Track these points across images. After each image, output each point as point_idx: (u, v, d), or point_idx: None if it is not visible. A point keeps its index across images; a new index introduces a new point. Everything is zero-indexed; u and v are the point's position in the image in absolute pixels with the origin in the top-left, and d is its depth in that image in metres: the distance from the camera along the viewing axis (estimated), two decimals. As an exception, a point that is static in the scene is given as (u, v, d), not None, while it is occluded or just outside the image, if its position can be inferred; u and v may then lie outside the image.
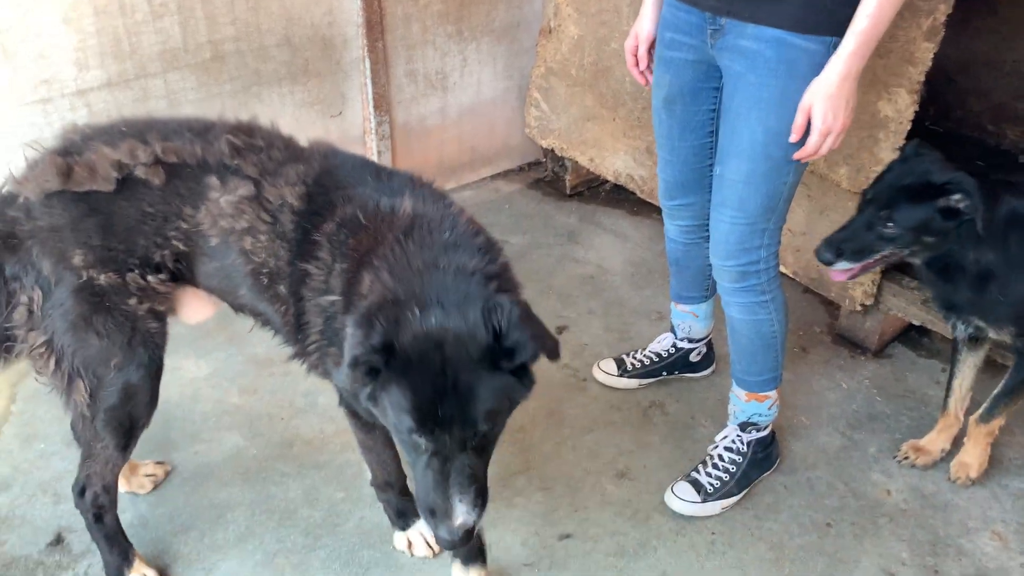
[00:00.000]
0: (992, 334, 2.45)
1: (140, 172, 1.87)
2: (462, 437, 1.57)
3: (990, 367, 2.74)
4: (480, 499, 1.62)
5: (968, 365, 2.62)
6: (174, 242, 1.93)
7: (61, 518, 2.48)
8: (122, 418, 2.04)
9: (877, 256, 2.35)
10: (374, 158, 3.70)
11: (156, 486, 2.59)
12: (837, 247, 2.35)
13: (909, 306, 2.99)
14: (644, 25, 2.43)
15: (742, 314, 2.40)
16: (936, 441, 2.71)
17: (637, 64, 2.49)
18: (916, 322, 3.02)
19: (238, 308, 2.14)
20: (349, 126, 3.65)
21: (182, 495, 2.57)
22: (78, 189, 1.86)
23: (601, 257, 3.77)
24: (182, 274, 2.00)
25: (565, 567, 2.36)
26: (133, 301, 1.94)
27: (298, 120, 3.45)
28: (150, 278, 1.94)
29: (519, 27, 4.00)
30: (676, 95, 2.36)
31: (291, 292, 1.91)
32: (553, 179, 4.32)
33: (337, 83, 3.52)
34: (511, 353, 1.56)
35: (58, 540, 2.43)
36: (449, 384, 1.53)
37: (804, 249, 3.20)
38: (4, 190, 1.93)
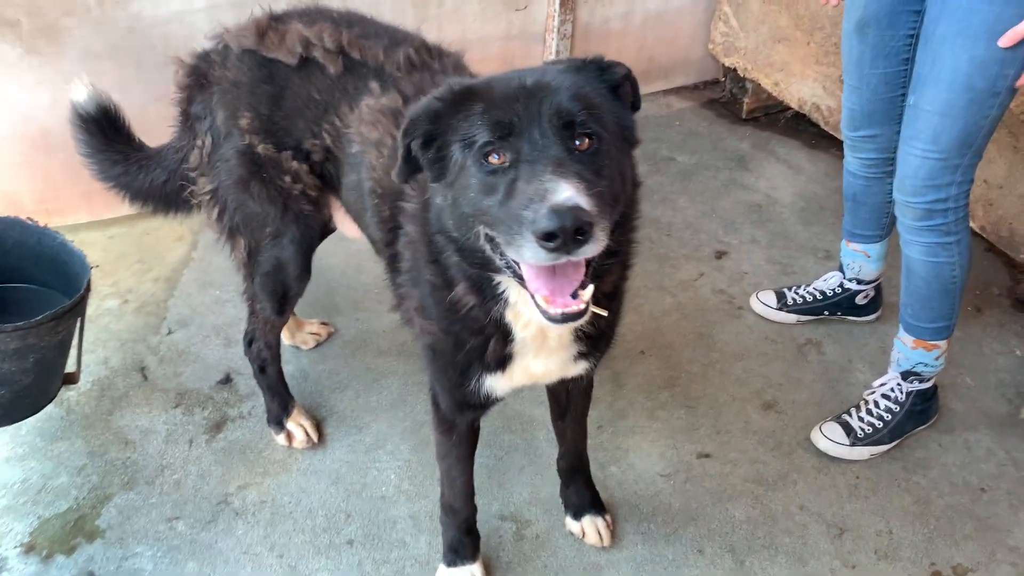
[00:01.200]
0: None
1: (319, 55, 1.88)
2: (557, 132, 1.28)
3: None
4: (595, 201, 1.22)
5: None
6: (325, 135, 1.91)
7: (231, 360, 2.68)
8: (275, 286, 2.15)
9: None
10: (552, 56, 3.67)
11: (318, 344, 2.74)
12: None
13: (1110, 279, 2.76)
14: None
15: (923, 255, 2.28)
16: None
17: None
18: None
19: (367, 235, 2.03)
20: (532, 21, 3.61)
21: (342, 356, 2.72)
22: (267, 54, 1.92)
23: (771, 187, 3.64)
24: (329, 178, 1.99)
25: (701, 484, 2.37)
26: (288, 179, 1.97)
27: (484, 10, 3.44)
28: (300, 164, 1.96)
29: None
30: (871, 18, 2.22)
31: (391, 217, 1.76)
32: (730, 100, 4.16)
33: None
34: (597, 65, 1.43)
35: (227, 380, 2.63)
36: (546, 81, 1.33)
37: (998, 203, 2.99)
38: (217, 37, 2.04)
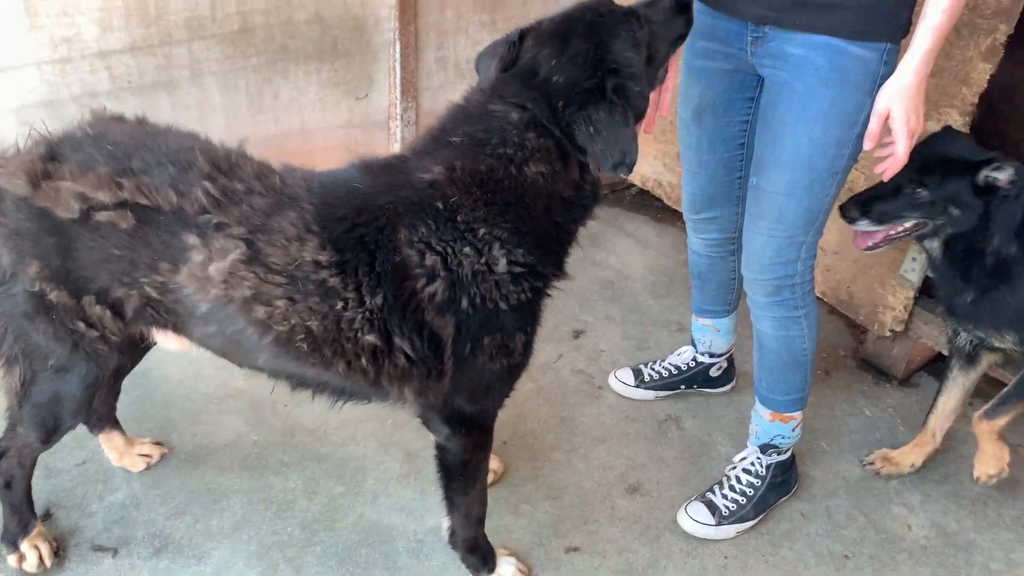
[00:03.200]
0: (995, 342, 2.40)
1: (104, 217, 1.66)
2: None
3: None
4: None
5: (958, 384, 2.57)
6: (147, 288, 1.73)
7: None
8: (47, 418, 1.95)
9: (902, 225, 2.32)
10: (397, 144, 3.62)
11: (149, 466, 2.50)
12: (863, 205, 2.33)
13: (940, 335, 2.88)
14: None
15: (774, 329, 2.30)
16: (908, 455, 2.66)
17: None
18: (946, 352, 2.90)
19: (252, 369, 1.92)
20: (374, 109, 3.55)
21: (178, 477, 2.48)
22: (43, 205, 1.68)
23: (622, 262, 3.67)
24: (155, 319, 1.81)
25: (571, 582, 2.27)
26: (82, 325, 1.79)
27: (322, 100, 3.36)
28: (104, 311, 1.78)
29: (554, 21, 3.89)
30: (707, 106, 2.26)
31: (400, 330, 1.70)
32: (577, 179, 4.21)
33: (365, 65, 3.42)
34: None
35: None
36: None
37: (835, 268, 3.10)
38: None
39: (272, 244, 1.65)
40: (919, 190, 2.25)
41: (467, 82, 3.90)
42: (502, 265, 1.70)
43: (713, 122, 2.29)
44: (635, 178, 3.83)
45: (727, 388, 2.93)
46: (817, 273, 3.14)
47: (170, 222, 1.67)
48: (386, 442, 2.64)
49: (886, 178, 2.00)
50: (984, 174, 2.18)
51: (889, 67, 1.92)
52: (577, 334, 3.21)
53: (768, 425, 2.45)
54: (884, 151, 1.97)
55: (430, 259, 1.67)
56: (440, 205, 1.69)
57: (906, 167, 1.99)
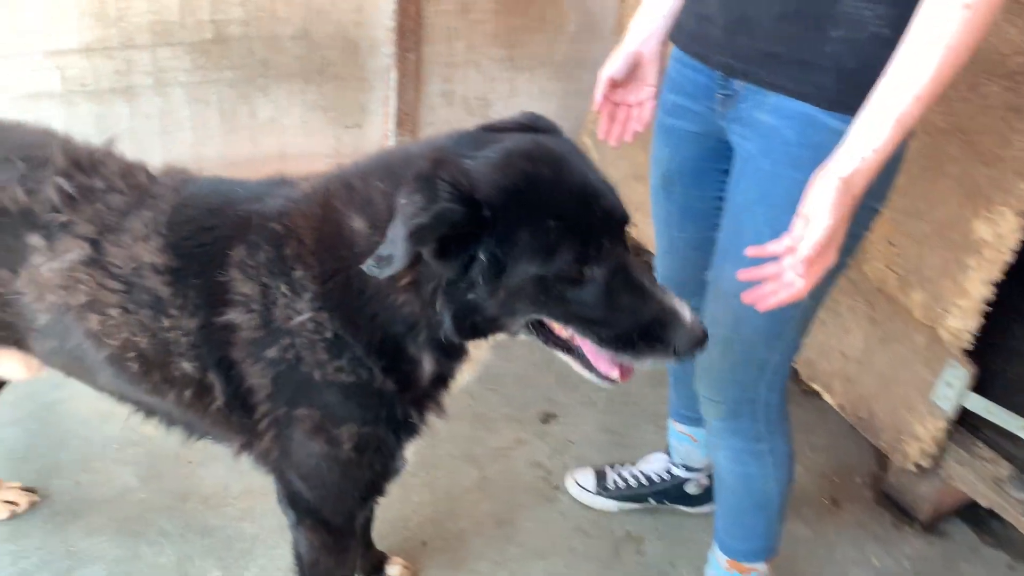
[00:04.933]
0: None
1: None
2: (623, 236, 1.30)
3: None
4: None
5: None
6: None
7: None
8: None
9: None
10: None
11: (13, 515, 2.19)
12: None
13: (978, 481, 2.35)
14: (610, 64, 1.75)
15: (729, 461, 1.85)
16: None
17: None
18: (984, 504, 2.36)
19: (103, 392, 1.72)
20: (366, 141, 3.25)
21: (41, 533, 2.17)
22: None
23: (623, 338, 3.23)
24: None
25: None
26: None
27: (306, 124, 3.07)
28: None
29: (582, 66, 3.53)
30: (675, 174, 1.85)
31: (211, 362, 1.47)
32: (595, 238, 3.80)
33: (357, 91, 3.13)
34: None
35: None
36: (591, 174, 1.29)
37: (856, 380, 2.60)
38: None
39: (118, 245, 1.47)
40: None
41: (476, 121, 3.58)
42: (305, 318, 1.39)
43: (683, 194, 1.87)
44: (650, 244, 3.39)
45: (707, 509, 2.44)
46: (837, 382, 2.66)
47: (15, 223, 1.48)
48: (284, 524, 2.27)
49: (760, 308, 1.45)
50: None
51: None
52: (546, 418, 2.78)
53: (724, 573, 1.98)
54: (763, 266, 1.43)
55: (248, 287, 1.41)
56: (279, 228, 1.41)
57: None
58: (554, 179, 1.25)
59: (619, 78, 1.80)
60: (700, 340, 1.29)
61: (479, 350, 1.47)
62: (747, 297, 1.44)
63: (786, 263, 1.37)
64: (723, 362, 1.72)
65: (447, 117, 3.35)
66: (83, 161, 1.53)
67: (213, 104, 2.89)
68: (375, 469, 1.54)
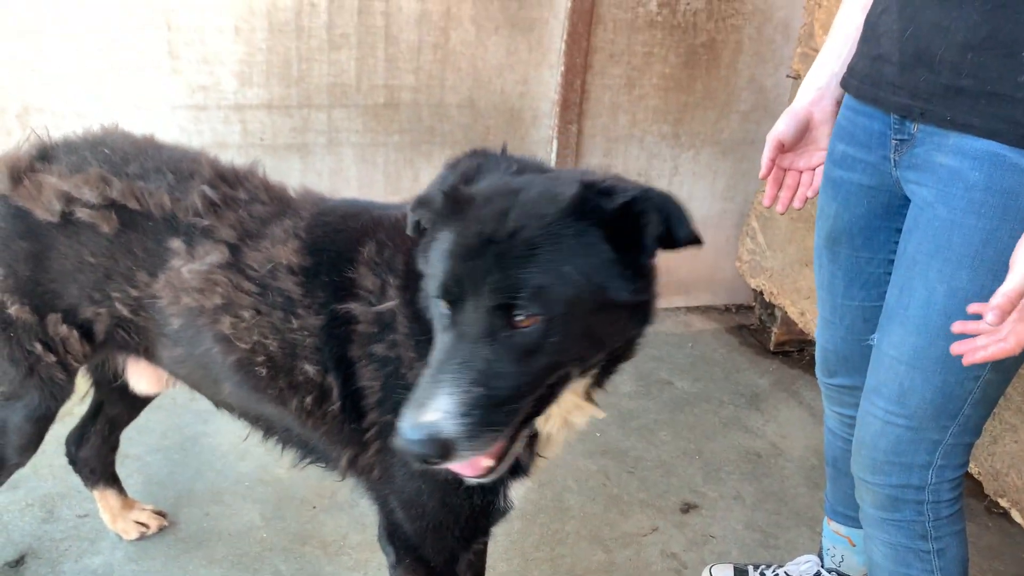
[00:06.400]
0: None
1: (85, 216, 1.55)
2: (490, 312, 1.11)
3: None
4: (475, 417, 1.08)
5: None
6: (117, 305, 1.59)
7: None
8: None
9: None
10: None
11: (142, 536, 2.24)
12: None
13: None
14: (779, 125, 1.69)
15: (887, 560, 1.59)
16: None
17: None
18: None
19: (223, 407, 1.76)
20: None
21: (165, 557, 2.20)
22: (21, 204, 1.58)
23: (781, 434, 2.97)
24: (125, 343, 1.66)
25: None
26: (39, 347, 1.63)
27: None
28: (71, 330, 1.62)
29: (752, 144, 3.40)
30: (843, 232, 1.67)
31: (331, 362, 1.48)
32: (758, 328, 3.58)
33: (519, 161, 3.15)
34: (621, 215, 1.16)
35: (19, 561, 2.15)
36: (500, 232, 1.13)
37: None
38: None
39: (256, 249, 1.52)
40: None
41: (636, 197, 3.51)
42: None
43: (850, 256, 1.69)
44: (818, 336, 3.13)
45: (863, 627, 2.13)
46: (1011, 474, 2.29)
47: (158, 228, 1.56)
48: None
49: (966, 361, 1.26)
50: None
51: None
52: (687, 508, 2.56)
53: None
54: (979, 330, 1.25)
55: (371, 281, 1.44)
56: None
57: None
58: (486, 211, 1.24)
59: (788, 140, 1.70)
60: (404, 438, 1.09)
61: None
62: (957, 348, 1.26)
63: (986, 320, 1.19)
64: (883, 438, 1.50)
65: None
66: (228, 175, 1.60)
67: (380, 166, 3.00)
68: (478, 503, 1.46)
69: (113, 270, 1.58)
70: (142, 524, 2.25)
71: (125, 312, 1.60)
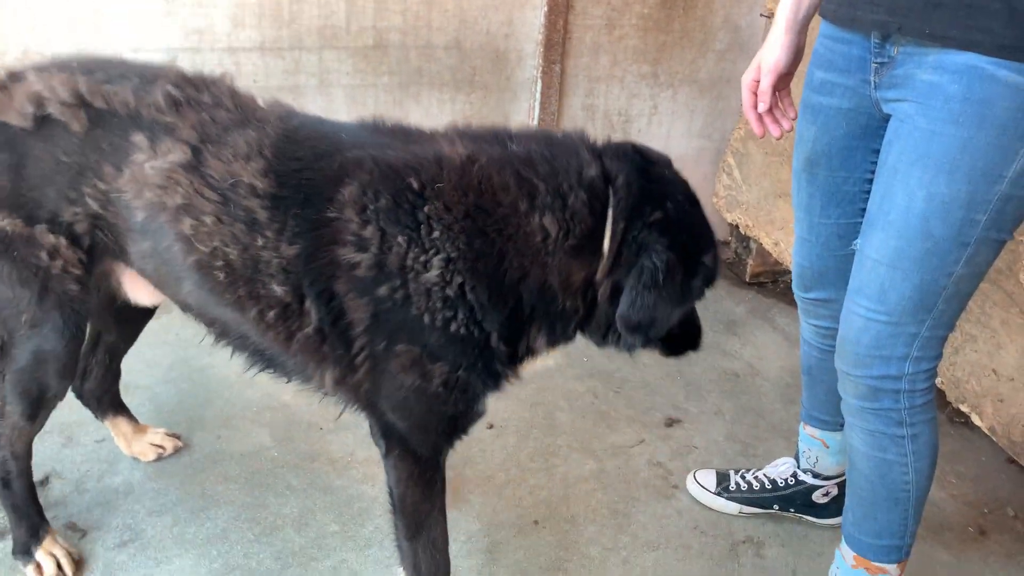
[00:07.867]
0: None
1: (57, 112, 1.60)
2: None
3: None
4: None
5: None
6: (88, 200, 1.63)
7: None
8: (31, 384, 1.81)
9: None
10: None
11: (160, 457, 2.36)
12: None
13: None
14: (771, 53, 1.71)
15: (866, 446, 1.75)
16: None
17: (757, 105, 1.77)
18: None
19: (184, 308, 1.80)
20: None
21: (181, 475, 2.33)
22: None
23: (757, 356, 3.14)
24: (106, 246, 1.71)
25: None
26: (44, 256, 1.68)
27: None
28: (58, 238, 1.67)
29: (729, 82, 3.53)
30: (821, 155, 1.79)
31: (312, 293, 1.56)
32: (734, 262, 3.74)
33: (503, 101, 3.26)
34: None
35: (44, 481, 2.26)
36: None
37: (1010, 400, 2.40)
38: None
39: (218, 157, 1.57)
40: None
41: (616, 136, 3.64)
42: (434, 273, 1.50)
43: (827, 176, 1.82)
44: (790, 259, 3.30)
45: (836, 521, 2.30)
46: (987, 403, 2.48)
47: (123, 123, 1.61)
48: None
49: None
50: None
51: None
52: (671, 422, 2.73)
53: (851, 572, 1.85)
54: None
55: (368, 231, 1.50)
56: (415, 184, 1.51)
57: None
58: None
59: (788, 68, 1.74)
60: None
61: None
62: None
63: None
64: (865, 333, 1.64)
65: (587, 130, 3.42)
66: (194, 79, 1.67)
67: (370, 107, 3.09)
68: (458, 408, 1.63)
69: (84, 166, 1.62)
70: (158, 446, 2.37)
71: (95, 207, 1.64)
